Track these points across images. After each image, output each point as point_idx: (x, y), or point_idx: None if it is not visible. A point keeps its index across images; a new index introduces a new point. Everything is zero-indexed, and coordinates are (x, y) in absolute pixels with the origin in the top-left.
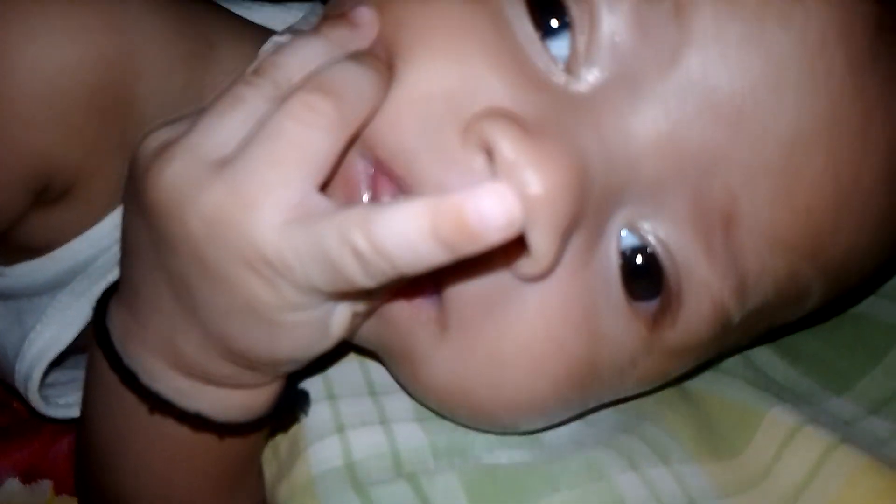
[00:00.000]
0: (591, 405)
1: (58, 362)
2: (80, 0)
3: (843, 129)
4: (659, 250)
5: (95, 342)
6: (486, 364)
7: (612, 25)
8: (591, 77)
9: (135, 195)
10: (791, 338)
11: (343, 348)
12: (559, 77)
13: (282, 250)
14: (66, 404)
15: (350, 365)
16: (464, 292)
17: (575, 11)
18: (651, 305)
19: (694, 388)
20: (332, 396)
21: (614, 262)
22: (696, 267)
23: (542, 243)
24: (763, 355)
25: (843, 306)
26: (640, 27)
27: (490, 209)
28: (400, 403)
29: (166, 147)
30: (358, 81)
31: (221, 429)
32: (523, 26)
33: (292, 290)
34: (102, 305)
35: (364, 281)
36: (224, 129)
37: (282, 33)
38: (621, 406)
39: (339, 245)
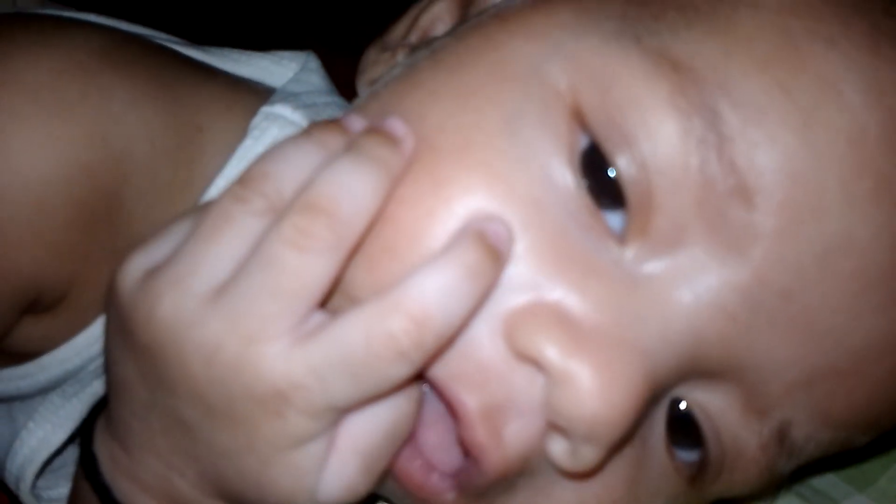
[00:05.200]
0: None
1: (49, 458)
2: (60, 111)
3: None
4: (702, 421)
5: (83, 474)
6: None
7: (674, 208)
8: (650, 260)
9: (122, 332)
10: None
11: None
12: (609, 253)
13: (294, 374)
14: (57, 497)
15: None
16: (497, 481)
17: (631, 182)
18: (692, 459)
19: None
20: None
21: (661, 429)
22: (745, 446)
23: (589, 456)
24: None
25: None
26: (702, 214)
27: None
28: None
29: (152, 277)
30: (354, 187)
31: None
32: (571, 192)
33: (302, 417)
34: (89, 427)
35: (404, 370)
36: (213, 255)
37: (272, 103)
38: None
39: (365, 339)
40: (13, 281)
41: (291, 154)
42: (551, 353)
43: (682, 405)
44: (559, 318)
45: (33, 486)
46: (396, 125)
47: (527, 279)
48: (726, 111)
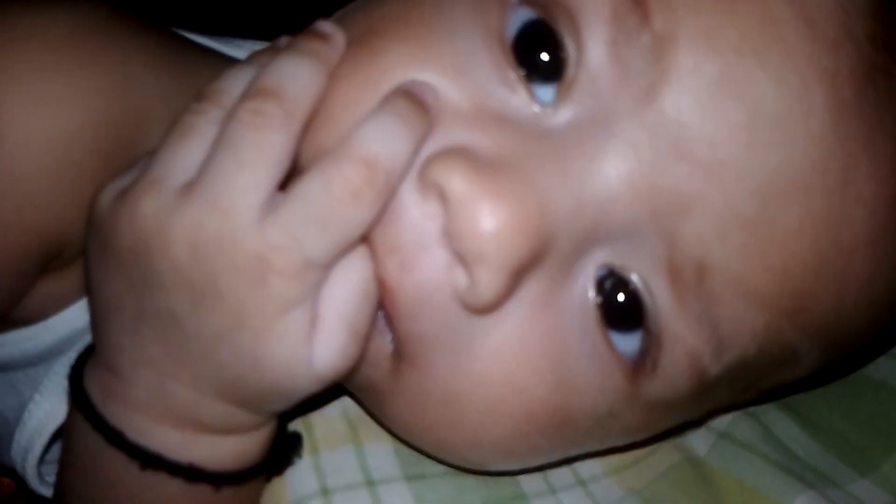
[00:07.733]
0: (573, 452)
1: (58, 434)
2: (83, 63)
3: (821, 180)
4: (640, 287)
5: (74, 408)
6: (441, 402)
7: (594, 55)
8: (562, 113)
9: (104, 246)
10: (810, 407)
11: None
12: (528, 111)
13: (269, 237)
14: None
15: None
16: (416, 326)
17: (568, 44)
18: (630, 351)
19: (712, 467)
20: (325, 491)
21: (590, 302)
22: (671, 315)
23: (485, 280)
24: (783, 424)
25: (850, 367)
26: (617, 62)
27: (421, 87)
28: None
29: (128, 189)
30: (295, 74)
31: (216, 479)
32: (495, 56)
33: (283, 279)
34: (77, 373)
35: (364, 210)
36: (181, 157)
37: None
38: (636, 486)
39: (325, 189)
40: (41, 233)
41: (238, 72)
42: (454, 182)
43: (606, 277)
44: (465, 155)
45: (38, 467)
46: (323, 25)
47: (446, 134)
48: None
